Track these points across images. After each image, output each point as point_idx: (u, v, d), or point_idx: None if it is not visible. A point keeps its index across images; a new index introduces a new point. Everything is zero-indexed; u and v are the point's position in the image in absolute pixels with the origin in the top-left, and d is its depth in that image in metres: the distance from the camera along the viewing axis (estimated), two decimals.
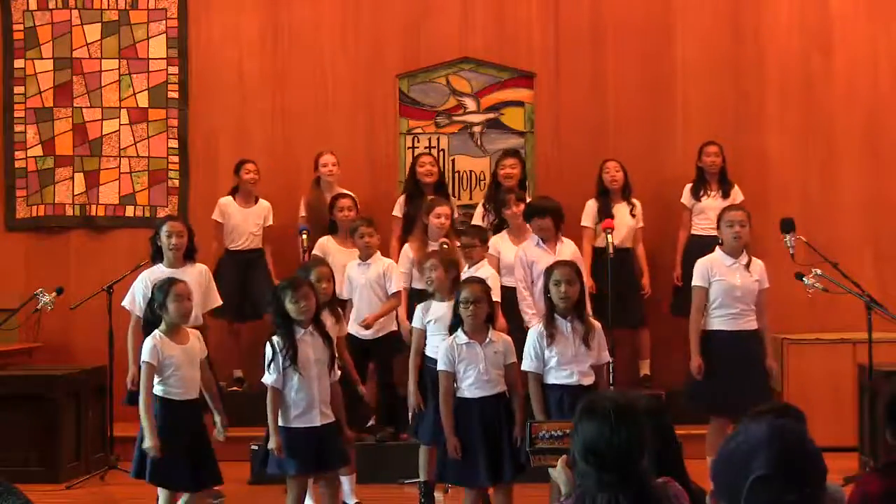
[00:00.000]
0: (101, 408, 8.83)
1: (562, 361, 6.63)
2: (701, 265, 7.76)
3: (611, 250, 8.39)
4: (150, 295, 7.30)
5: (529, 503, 6.96)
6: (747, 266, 7.65)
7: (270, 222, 9.67)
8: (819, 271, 7.75)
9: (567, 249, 8.12)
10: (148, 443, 6.53)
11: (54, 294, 8.65)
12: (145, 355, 6.58)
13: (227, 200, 9.65)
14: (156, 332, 6.65)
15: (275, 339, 6.50)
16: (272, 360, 6.46)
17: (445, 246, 8.05)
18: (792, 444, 2.50)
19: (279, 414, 6.48)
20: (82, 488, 8.35)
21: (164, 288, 6.66)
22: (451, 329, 6.69)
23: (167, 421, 6.59)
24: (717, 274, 7.65)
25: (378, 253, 8.35)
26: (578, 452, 3.23)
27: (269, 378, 6.47)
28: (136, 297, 7.71)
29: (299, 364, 6.43)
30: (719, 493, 2.55)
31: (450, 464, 6.61)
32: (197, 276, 7.63)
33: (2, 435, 8.38)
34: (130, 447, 8.94)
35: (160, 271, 7.60)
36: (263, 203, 9.69)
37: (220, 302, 7.95)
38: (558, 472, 3.53)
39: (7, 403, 8.48)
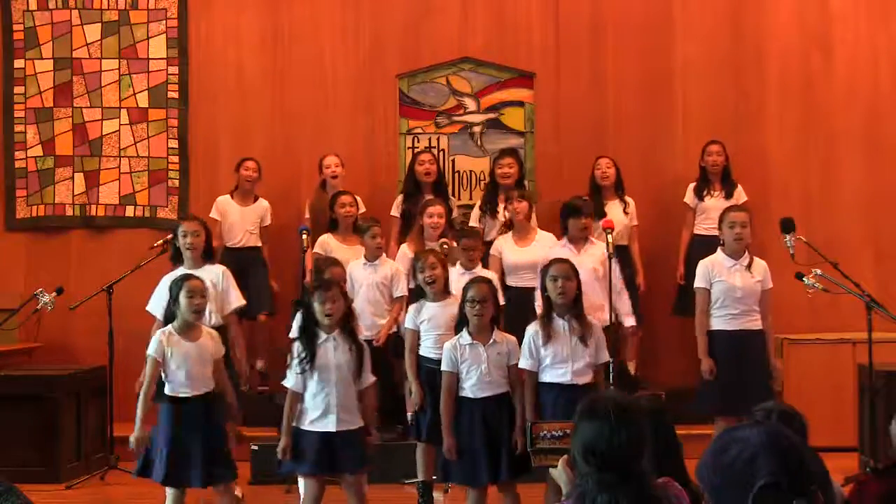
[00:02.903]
0: (101, 408, 8.82)
1: (556, 360, 6.63)
2: (702, 266, 7.78)
3: (610, 250, 8.38)
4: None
5: (529, 503, 6.96)
6: (749, 267, 7.65)
7: (268, 222, 9.64)
8: (819, 271, 7.74)
9: (598, 250, 8.07)
10: (134, 434, 6.50)
11: (54, 294, 8.64)
12: (150, 350, 6.58)
13: (224, 199, 9.65)
14: (167, 327, 6.63)
15: (296, 342, 6.44)
16: (290, 363, 6.41)
17: (446, 246, 8.03)
18: (791, 447, 2.50)
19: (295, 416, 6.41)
20: (82, 488, 8.34)
21: (178, 284, 6.65)
22: (457, 328, 6.67)
23: (176, 420, 6.53)
24: (718, 275, 7.67)
25: (384, 255, 8.35)
26: (578, 452, 3.23)
27: (288, 381, 6.42)
28: (158, 300, 7.68)
29: (318, 369, 6.33)
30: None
31: (452, 463, 6.61)
32: (214, 276, 7.51)
33: (2, 435, 8.37)
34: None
35: (180, 273, 7.59)
36: (263, 202, 9.67)
37: (242, 302, 7.80)
38: (559, 472, 3.52)
39: (7, 403, 8.48)
